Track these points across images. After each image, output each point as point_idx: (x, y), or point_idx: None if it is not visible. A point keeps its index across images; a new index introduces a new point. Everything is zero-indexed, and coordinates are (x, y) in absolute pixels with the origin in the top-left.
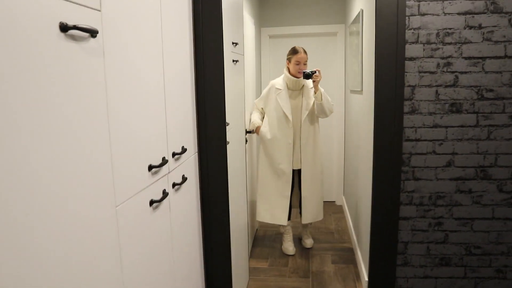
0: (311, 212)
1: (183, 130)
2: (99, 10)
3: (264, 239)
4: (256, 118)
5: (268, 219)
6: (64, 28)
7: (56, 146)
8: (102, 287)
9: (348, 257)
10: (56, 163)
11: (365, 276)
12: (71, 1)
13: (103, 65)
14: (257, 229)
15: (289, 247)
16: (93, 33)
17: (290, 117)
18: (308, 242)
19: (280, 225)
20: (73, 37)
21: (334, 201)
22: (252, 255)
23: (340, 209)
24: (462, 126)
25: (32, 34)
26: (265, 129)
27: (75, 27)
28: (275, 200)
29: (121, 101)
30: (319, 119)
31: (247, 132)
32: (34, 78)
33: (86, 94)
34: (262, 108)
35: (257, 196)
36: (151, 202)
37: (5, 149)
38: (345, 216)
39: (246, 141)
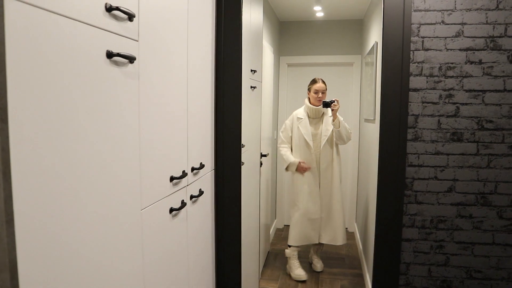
0: (329, 234)
1: (202, 147)
2: (137, 41)
3: (275, 261)
4: (289, 154)
5: (295, 241)
6: (109, 55)
7: (101, 153)
8: (125, 283)
9: (357, 282)
10: (99, 167)
11: None
12: (115, 33)
13: (137, 87)
14: (268, 252)
15: (300, 272)
16: (131, 59)
17: (310, 143)
18: (319, 265)
19: (289, 250)
20: (116, 63)
21: (347, 228)
22: (262, 276)
23: (352, 235)
24: (463, 154)
25: (87, 60)
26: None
27: (118, 55)
28: (302, 222)
29: (150, 118)
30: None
31: (262, 155)
32: (84, 95)
33: (124, 111)
34: (290, 137)
35: (291, 222)
36: (171, 210)
37: (56, 155)
38: (356, 243)
39: (261, 164)
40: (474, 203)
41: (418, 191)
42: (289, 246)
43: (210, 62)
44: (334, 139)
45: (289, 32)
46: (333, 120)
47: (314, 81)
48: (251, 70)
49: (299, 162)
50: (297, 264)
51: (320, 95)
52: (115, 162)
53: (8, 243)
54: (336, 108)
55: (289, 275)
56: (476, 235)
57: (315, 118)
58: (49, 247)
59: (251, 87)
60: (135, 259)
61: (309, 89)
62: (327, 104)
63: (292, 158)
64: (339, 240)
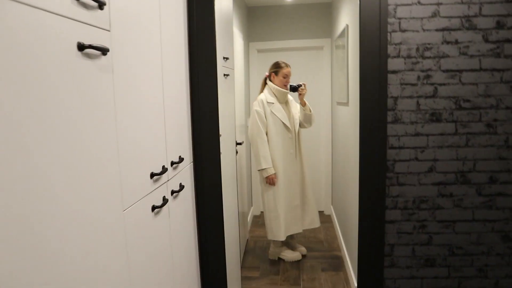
0: (307, 219)
1: (180, 140)
2: (109, 31)
3: (255, 249)
4: (269, 157)
5: (285, 234)
6: (81, 47)
7: (73, 152)
8: (113, 284)
9: (337, 264)
10: (73, 169)
11: (354, 282)
12: (86, 23)
13: (112, 80)
14: (247, 239)
15: (295, 254)
16: (104, 51)
17: (291, 127)
18: (303, 249)
19: (276, 250)
20: (88, 55)
21: (323, 211)
22: (243, 264)
23: (328, 218)
24: (442, 134)
25: (57, 53)
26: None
27: (90, 46)
28: (288, 213)
29: (126, 112)
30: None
31: (237, 143)
32: (55, 91)
33: (98, 106)
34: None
35: (270, 218)
36: (153, 208)
37: (28, 156)
38: (334, 225)
39: (237, 152)
40: (454, 182)
41: (399, 172)
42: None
43: (184, 51)
44: (303, 123)
45: (258, 17)
46: (303, 105)
47: (281, 65)
48: (224, 58)
49: (274, 174)
50: (287, 249)
51: (288, 79)
52: (92, 162)
53: None
54: (304, 92)
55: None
56: (456, 213)
57: (283, 103)
58: (27, 249)
59: (224, 75)
60: (120, 260)
61: (275, 73)
62: (294, 88)
63: (271, 164)
64: (317, 222)
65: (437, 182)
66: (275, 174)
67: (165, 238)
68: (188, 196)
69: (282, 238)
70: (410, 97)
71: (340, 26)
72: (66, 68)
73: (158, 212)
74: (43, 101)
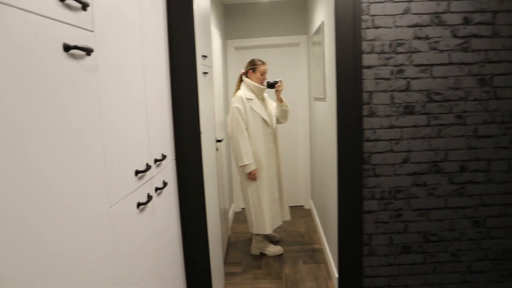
0: (283, 212)
1: (162, 138)
2: (92, 31)
3: (237, 245)
4: (251, 153)
5: (270, 228)
6: (66, 48)
7: (62, 149)
8: (102, 279)
9: (318, 257)
10: (62, 163)
11: (335, 273)
12: (70, 24)
13: (96, 80)
14: (229, 236)
15: (276, 247)
16: (88, 51)
17: (270, 122)
18: (275, 234)
19: (261, 245)
20: (73, 56)
21: (303, 205)
22: (226, 260)
23: (308, 212)
24: (415, 126)
25: (44, 54)
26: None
27: (76, 47)
28: (271, 206)
29: (111, 111)
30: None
31: (217, 141)
32: (42, 91)
33: (84, 106)
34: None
35: (256, 212)
36: (138, 204)
37: (18, 152)
38: (314, 219)
39: (217, 149)
40: (427, 172)
41: (376, 164)
42: (256, 235)
43: (164, 50)
44: (279, 118)
45: (234, 15)
46: (280, 101)
47: (257, 63)
48: (202, 56)
49: (256, 169)
50: (269, 243)
51: (265, 76)
52: (79, 160)
53: None
54: (281, 88)
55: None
56: (430, 201)
57: (260, 99)
58: (18, 242)
59: (204, 73)
60: (108, 256)
61: (253, 70)
62: (272, 85)
63: (253, 159)
64: (289, 215)
65: (412, 172)
66: (256, 169)
67: (151, 234)
68: (171, 192)
69: (268, 231)
70: (384, 91)
71: (316, 23)
72: (53, 68)
73: (143, 209)
74: (30, 100)
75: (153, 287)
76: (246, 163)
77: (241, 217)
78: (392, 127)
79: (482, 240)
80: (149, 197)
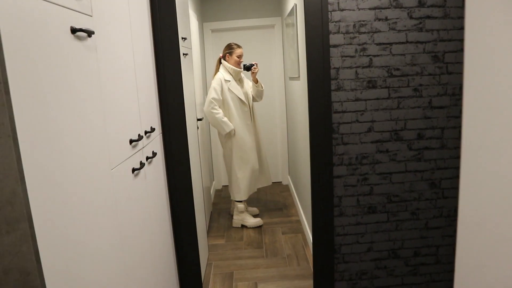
0: (264, 179)
1: (151, 112)
2: (91, 16)
3: (219, 220)
4: (227, 120)
5: (251, 190)
6: (73, 30)
7: (73, 114)
8: (105, 223)
9: (296, 228)
10: (74, 128)
11: (311, 241)
12: (74, 10)
13: (96, 59)
14: (211, 211)
15: (256, 219)
16: (90, 33)
17: (246, 102)
18: (255, 209)
19: (242, 205)
20: (78, 37)
21: (281, 181)
22: (209, 234)
23: (286, 188)
24: (377, 99)
25: (57, 36)
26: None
27: (81, 30)
28: (251, 175)
29: (109, 87)
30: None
31: (198, 119)
32: (58, 67)
33: (88, 80)
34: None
35: (239, 180)
36: (133, 170)
37: (41, 115)
38: (292, 194)
39: (198, 128)
40: (389, 139)
41: (343, 133)
42: (238, 202)
43: (149, 31)
44: (255, 98)
45: None
46: (256, 82)
47: (233, 47)
48: (182, 38)
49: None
50: (249, 215)
51: (241, 58)
52: (86, 125)
53: (23, 197)
54: (256, 70)
55: (239, 227)
56: (392, 166)
57: (237, 80)
58: (51, 194)
59: (184, 54)
60: (110, 207)
61: (230, 53)
62: (248, 68)
63: (232, 125)
64: (271, 180)
65: (375, 140)
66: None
67: (143, 195)
68: (159, 162)
69: (245, 197)
70: (350, 67)
71: (289, 5)
72: (64, 48)
73: (137, 174)
74: (49, 74)
75: (146, 237)
76: (227, 131)
77: (222, 193)
78: (357, 99)
79: (437, 199)
80: (142, 164)
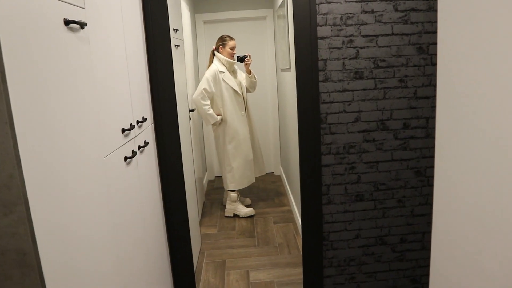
0: (258, 169)
1: (142, 102)
2: (84, 8)
3: (211, 210)
4: (212, 112)
5: (245, 183)
6: (66, 22)
7: (68, 103)
8: (98, 210)
9: (287, 217)
10: (70, 116)
11: (301, 229)
12: (66, 2)
13: (89, 50)
14: (204, 202)
15: (248, 209)
16: (82, 25)
17: (240, 92)
18: (248, 200)
19: (234, 194)
20: (71, 29)
21: (273, 172)
22: (201, 224)
23: (278, 178)
24: (364, 89)
25: (51, 28)
26: (220, 111)
27: (74, 22)
28: (245, 165)
29: (101, 76)
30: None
31: (190, 110)
32: (53, 58)
33: (82, 71)
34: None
35: (234, 170)
36: (125, 158)
37: (40, 104)
38: (283, 184)
39: (190, 118)
40: (375, 129)
41: (331, 123)
42: (231, 192)
43: (140, 22)
44: (248, 89)
45: None
46: (249, 73)
47: (225, 39)
48: (174, 29)
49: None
50: (241, 205)
51: (234, 50)
52: (81, 114)
53: (20, 181)
54: (249, 62)
55: (232, 217)
56: (379, 155)
57: (230, 71)
58: (46, 178)
59: (175, 45)
60: (102, 194)
61: (223, 45)
62: (241, 59)
63: (216, 117)
64: (265, 169)
65: (362, 130)
66: (221, 118)
67: (135, 183)
68: (151, 152)
69: (239, 187)
70: (337, 59)
71: None
72: (58, 39)
73: (129, 163)
74: (46, 64)
75: (140, 223)
76: (212, 122)
77: (214, 184)
78: (344, 90)
79: (422, 187)
80: (134, 153)
